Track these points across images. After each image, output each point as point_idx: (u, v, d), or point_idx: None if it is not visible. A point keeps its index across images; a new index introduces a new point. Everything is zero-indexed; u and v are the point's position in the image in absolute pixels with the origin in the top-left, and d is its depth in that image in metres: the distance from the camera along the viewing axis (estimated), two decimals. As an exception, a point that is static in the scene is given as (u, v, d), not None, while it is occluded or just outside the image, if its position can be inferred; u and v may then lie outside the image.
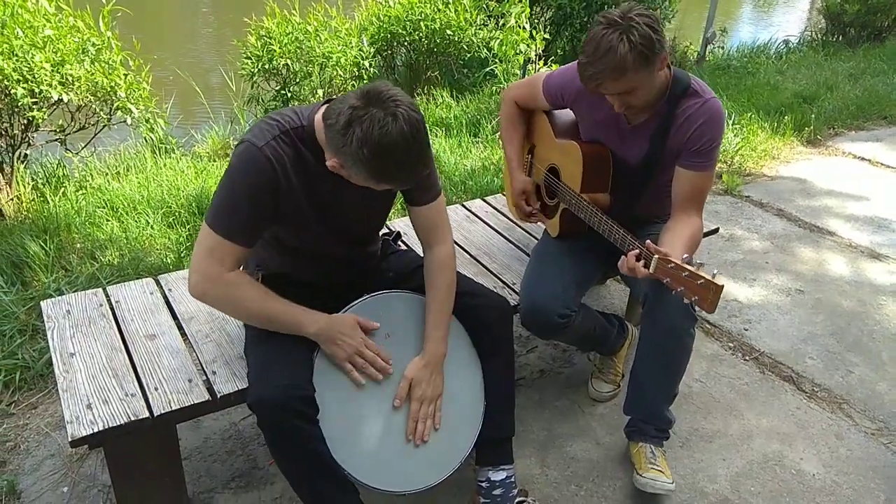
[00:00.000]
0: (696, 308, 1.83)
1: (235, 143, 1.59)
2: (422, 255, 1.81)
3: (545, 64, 4.91)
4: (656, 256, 1.62)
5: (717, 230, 2.62)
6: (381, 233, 1.94)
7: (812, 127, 4.72)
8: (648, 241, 1.69)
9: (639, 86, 1.73)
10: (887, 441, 2.22)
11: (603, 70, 1.68)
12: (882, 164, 4.39)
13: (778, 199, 3.84)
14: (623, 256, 1.73)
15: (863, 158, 4.48)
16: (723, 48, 6.75)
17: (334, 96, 1.55)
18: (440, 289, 1.72)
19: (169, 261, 2.88)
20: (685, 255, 1.59)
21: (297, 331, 1.59)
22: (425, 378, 1.69)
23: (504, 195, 2.55)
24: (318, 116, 1.52)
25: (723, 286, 1.52)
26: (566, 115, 2.15)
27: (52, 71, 3.12)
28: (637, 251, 1.69)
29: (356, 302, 1.69)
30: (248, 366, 1.66)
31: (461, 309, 1.77)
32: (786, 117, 4.77)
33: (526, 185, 2.18)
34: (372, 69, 4.92)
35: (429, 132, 1.64)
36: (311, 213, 1.62)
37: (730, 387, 2.43)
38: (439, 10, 5.21)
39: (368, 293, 1.73)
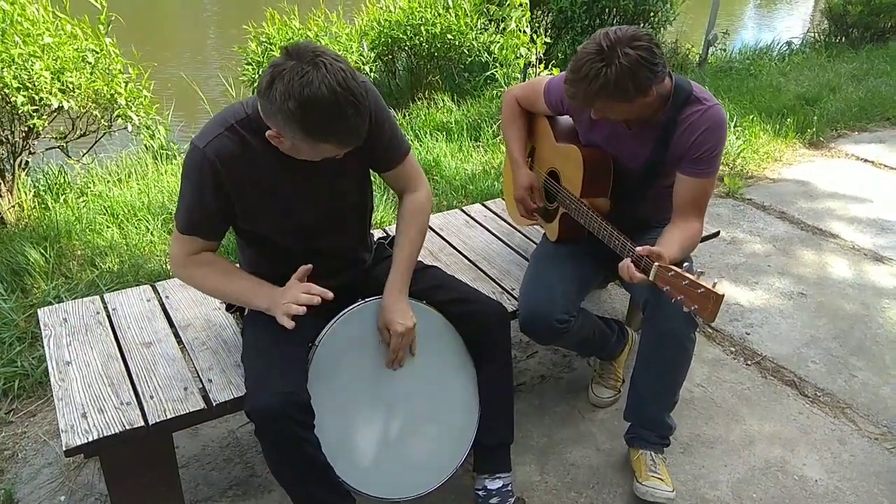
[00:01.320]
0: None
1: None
2: (419, 259, 1.80)
3: (546, 68, 4.90)
4: (656, 264, 1.61)
5: (717, 233, 2.61)
6: (376, 237, 1.93)
7: (814, 129, 4.70)
8: (647, 246, 1.67)
9: (612, 110, 1.75)
10: (891, 446, 2.20)
11: (576, 93, 1.72)
12: (885, 166, 4.36)
13: (780, 201, 3.82)
14: (624, 261, 1.72)
15: (866, 160, 4.45)
16: (725, 50, 6.73)
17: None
18: (413, 227, 1.74)
19: (168, 267, 2.88)
20: (686, 264, 1.58)
21: (250, 306, 1.66)
22: (397, 313, 1.66)
23: (503, 199, 2.54)
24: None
25: (723, 295, 1.51)
26: (567, 118, 2.14)
27: (52, 79, 3.13)
28: (637, 258, 1.68)
29: (350, 308, 1.69)
30: (244, 373, 1.65)
31: (456, 315, 1.76)
32: (788, 119, 4.75)
33: (531, 180, 2.15)
34: (373, 74, 4.92)
35: (376, 92, 1.60)
36: (269, 202, 1.61)
37: (731, 392, 2.41)
38: (440, 14, 5.21)
39: (362, 299, 1.72)
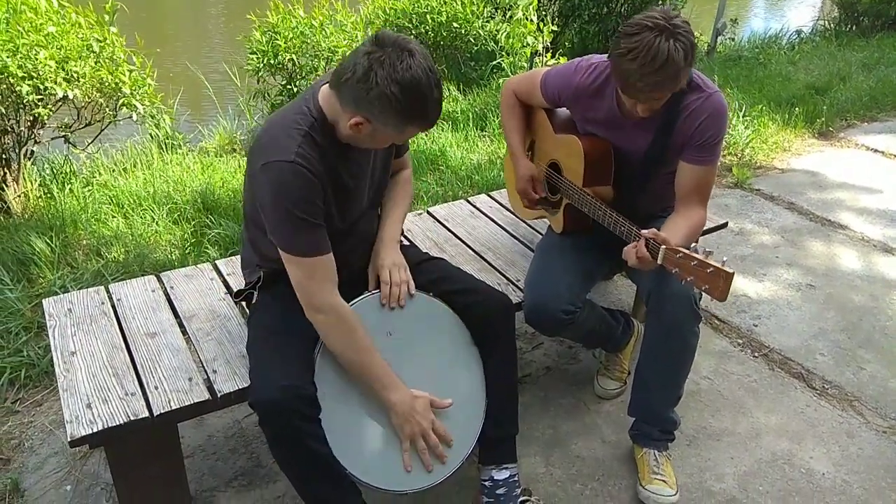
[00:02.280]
0: (701, 305, 1.82)
1: (247, 149, 1.60)
2: (423, 249, 1.90)
3: (553, 56, 4.86)
4: (663, 247, 1.60)
5: (725, 224, 2.58)
6: None
7: (824, 118, 4.65)
8: (654, 229, 1.66)
9: (672, 90, 1.71)
10: (899, 439, 2.19)
11: (663, 80, 1.63)
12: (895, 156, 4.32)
13: (789, 192, 3.79)
14: (629, 245, 1.71)
15: (876, 150, 4.40)
16: (734, 39, 6.66)
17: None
18: (408, 189, 1.89)
19: (174, 257, 2.88)
20: (693, 245, 1.56)
21: (381, 389, 1.60)
22: (389, 257, 1.72)
23: (507, 190, 2.52)
24: (323, 92, 1.53)
25: (733, 273, 1.49)
26: (565, 109, 2.12)
27: (57, 68, 3.12)
28: (644, 241, 1.66)
29: (358, 299, 1.68)
30: (249, 364, 1.65)
31: (460, 306, 1.75)
32: (797, 109, 4.70)
33: (532, 170, 2.14)
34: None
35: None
36: (336, 199, 1.61)
37: (738, 384, 2.39)
38: (445, 2, 5.17)
39: (370, 290, 1.71)
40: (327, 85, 1.53)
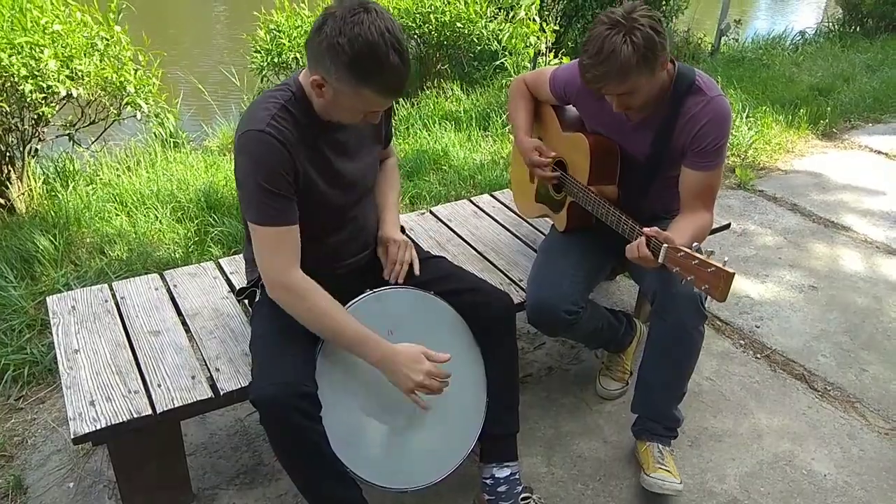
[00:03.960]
0: (706, 303, 1.82)
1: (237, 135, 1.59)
2: (425, 248, 1.88)
3: (556, 56, 4.86)
4: (665, 245, 1.60)
5: (728, 225, 2.59)
6: None
7: (828, 120, 4.65)
8: (656, 228, 1.66)
9: (640, 87, 1.72)
10: (901, 441, 2.19)
11: (607, 72, 1.66)
12: (899, 158, 4.31)
13: (792, 193, 3.79)
14: (632, 243, 1.71)
15: (879, 152, 4.40)
16: (737, 40, 6.66)
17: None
18: (397, 177, 1.95)
19: (177, 255, 2.89)
20: (694, 244, 1.57)
21: (361, 350, 1.57)
22: (397, 236, 1.78)
23: (511, 189, 2.52)
24: (303, 71, 1.55)
25: (734, 273, 1.49)
26: (573, 108, 2.12)
27: (61, 66, 3.13)
28: (646, 240, 1.66)
29: (356, 299, 1.68)
30: (251, 362, 1.65)
31: (463, 305, 1.76)
32: (801, 110, 4.70)
33: (537, 142, 2.11)
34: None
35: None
36: (319, 181, 1.61)
37: (740, 385, 2.39)
38: (449, 2, 5.17)
39: (370, 289, 1.71)
40: None
